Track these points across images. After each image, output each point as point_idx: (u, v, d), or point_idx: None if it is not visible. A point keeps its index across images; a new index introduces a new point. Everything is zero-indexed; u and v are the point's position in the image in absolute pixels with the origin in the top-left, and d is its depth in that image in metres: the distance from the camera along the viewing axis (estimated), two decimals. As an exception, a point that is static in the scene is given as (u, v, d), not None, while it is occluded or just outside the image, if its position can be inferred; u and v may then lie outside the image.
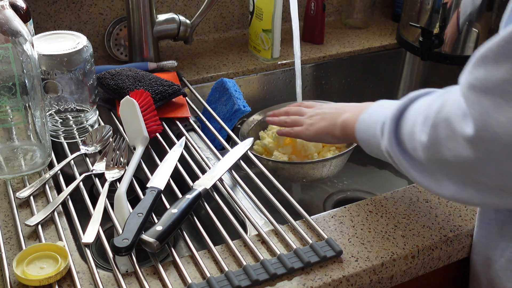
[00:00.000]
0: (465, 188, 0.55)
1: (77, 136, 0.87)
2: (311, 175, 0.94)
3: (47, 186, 0.75)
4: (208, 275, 0.62)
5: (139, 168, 0.80)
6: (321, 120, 0.82)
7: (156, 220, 0.68)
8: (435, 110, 0.55)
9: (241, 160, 0.82)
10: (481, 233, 0.70)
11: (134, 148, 0.83)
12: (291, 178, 0.96)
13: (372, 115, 0.68)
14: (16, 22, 0.70)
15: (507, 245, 0.67)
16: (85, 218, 0.70)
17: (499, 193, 0.52)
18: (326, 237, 0.68)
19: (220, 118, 0.97)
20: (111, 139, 0.84)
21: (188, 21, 1.12)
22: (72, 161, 0.80)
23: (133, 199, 0.72)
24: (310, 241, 0.67)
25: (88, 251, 0.64)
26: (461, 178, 0.55)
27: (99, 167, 0.79)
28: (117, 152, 0.80)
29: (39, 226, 0.68)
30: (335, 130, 0.78)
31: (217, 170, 0.78)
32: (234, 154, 0.82)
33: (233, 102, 0.97)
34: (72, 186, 0.74)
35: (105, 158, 0.80)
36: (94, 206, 0.71)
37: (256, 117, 1.04)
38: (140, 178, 0.82)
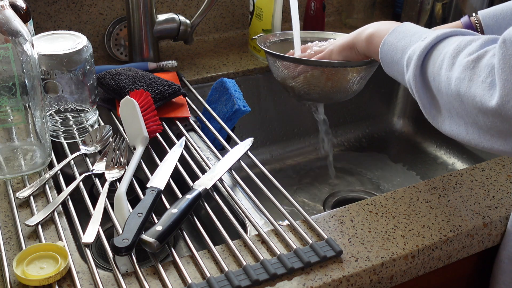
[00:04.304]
0: (472, 131, 0.59)
1: (77, 136, 0.87)
2: (329, 89, 0.92)
3: (47, 186, 0.75)
4: (208, 275, 0.62)
5: (139, 168, 0.80)
6: (344, 38, 0.85)
7: (156, 220, 0.68)
8: (464, 66, 0.58)
9: (241, 160, 0.82)
10: None
11: (134, 148, 0.83)
12: (308, 93, 0.93)
13: (398, 40, 0.70)
14: (16, 22, 0.70)
15: None
16: (85, 218, 0.70)
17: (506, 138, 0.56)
18: (326, 237, 0.68)
19: (220, 118, 0.97)
20: (111, 139, 0.84)
21: (188, 21, 1.12)
22: (72, 161, 0.80)
23: (133, 199, 0.72)
24: (310, 241, 0.67)
25: (88, 251, 0.64)
26: (472, 123, 0.59)
27: (99, 167, 0.79)
28: (117, 152, 0.80)
29: (39, 226, 0.68)
30: (360, 43, 0.80)
31: (217, 170, 0.78)
32: (234, 154, 0.82)
33: (233, 102, 0.97)
34: (72, 186, 0.74)
35: (105, 158, 0.80)
36: (94, 206, 0.71)
37: (278, 36, 1.03)
38: (140, 178, 0.82)
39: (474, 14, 0.81)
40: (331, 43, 0.90)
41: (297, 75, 0.90)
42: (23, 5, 0.89)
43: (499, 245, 0.77)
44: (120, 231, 0.66)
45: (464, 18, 0.82)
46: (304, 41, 1.01)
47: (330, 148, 1.11)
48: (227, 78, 1.03)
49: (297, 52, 0.94)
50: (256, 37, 1.00)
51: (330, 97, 0.94)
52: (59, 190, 0.75)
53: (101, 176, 0.78)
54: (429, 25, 1.19)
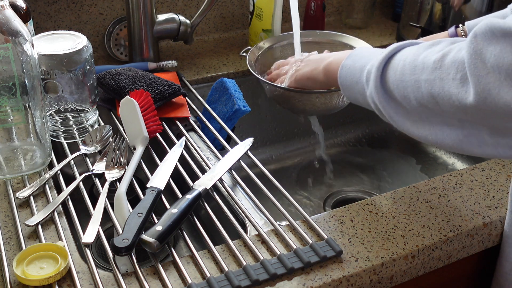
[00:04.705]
0: (450, 134, 0.58)
1: (77, 136, 0.87)
2: (320, 106, 0.93)
3: (47, 186, 0.75)
4: (208, 275, 0.62)
5: (139, 168, 0.80)
6: (304, 67, 0.85)
7: (156, 220, 0.68)
8: (431, 67, 0.57)
9: (241, 160, 0.82)
10: None
11: (134, 148, 0.83)
12: (303, 108, 0.95)
13: (356, 62, 0.70)
14: (16, 22, 0.70)
15: None
16: (85, 218, 0.70)
17: (481, 132, 0.56)
18: (326, 237, 0.68)
19: (220, 118, 0.97)
20: (111, 139, 0.84)
21: (188, 21, 1.12)
22: (72, 161, 0.80)
23: (133, 199, 0.72)
24: (310, 241, 0.67)
25: (88, 251, 0.64)
26: (447, 124, 0.58)
27: (99, 167, 0.79)
28: (117, 152, 0.80)
29: (39, 226, 0.68)
30: (318, 75, 0.81)
31: (217, 170, 0.78)
32: (234, 154, 0.82)
33: (233, 102, 0.97)
34: (72, 186, 0.74)
35: (105, 158, 0.80)
36: (94, 206, 0.71)
37: (264, 44, 1.04)
38: (140, 178, 0.82)
39: (461, 25, 0.82)
40: (302, 62, 0.89)
41: (287, 96, 0.92)
42: (23, 5, 0.89)
43: (499, 245, 0.77)
44: (120, 231, 0.66)
45: (451, 29, 0.83)
46: (312, 43, 1.02)
47: (323, 142, 1.13)
48: (227, 78, 1.03)
49: (297, 54, 0.94)
50: (243, 53, 1.01)
51: (325, 110, 0.96)
52: (59, 190, 0.75)
53: (101, 176, 0.78)
54: (429, 25, 1.19)
